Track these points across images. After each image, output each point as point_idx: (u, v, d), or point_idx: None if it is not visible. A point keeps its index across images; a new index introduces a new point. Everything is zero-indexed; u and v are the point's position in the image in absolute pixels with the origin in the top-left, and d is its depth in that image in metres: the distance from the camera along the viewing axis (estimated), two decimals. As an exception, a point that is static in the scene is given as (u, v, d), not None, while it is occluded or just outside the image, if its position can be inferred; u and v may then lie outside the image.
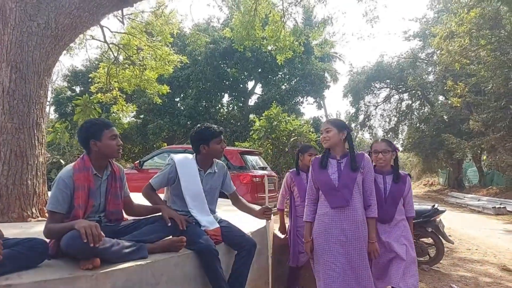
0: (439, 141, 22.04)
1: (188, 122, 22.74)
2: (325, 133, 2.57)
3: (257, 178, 7.07)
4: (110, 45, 10.58)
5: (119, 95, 12.55)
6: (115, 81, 12.00)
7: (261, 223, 3.31)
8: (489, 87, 16.55)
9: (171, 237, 2.24)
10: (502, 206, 12.40)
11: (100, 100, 12.41)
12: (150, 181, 2.65)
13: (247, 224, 3.12)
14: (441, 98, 25.23)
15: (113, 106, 13.36)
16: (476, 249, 6.27)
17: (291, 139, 12.32)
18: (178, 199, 2.58)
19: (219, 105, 26.22)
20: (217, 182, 2.73)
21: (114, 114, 15.46)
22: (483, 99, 17.89)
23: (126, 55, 11.29)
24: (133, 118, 24.11)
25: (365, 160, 2.57)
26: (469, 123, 17.39)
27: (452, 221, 9.11)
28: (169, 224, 2.26)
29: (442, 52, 16.20)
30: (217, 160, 2.79)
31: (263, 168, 7.91)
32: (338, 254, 2.44)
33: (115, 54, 11.44)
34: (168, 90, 13.12)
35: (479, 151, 21.18)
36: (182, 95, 25.15)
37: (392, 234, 2.75)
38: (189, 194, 2.55)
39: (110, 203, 2.22)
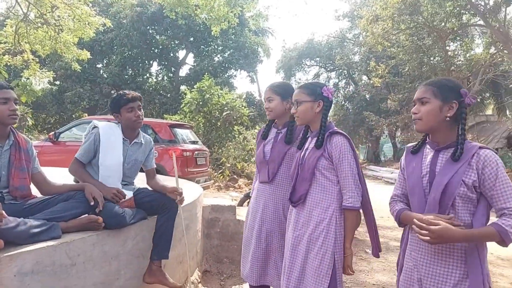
0: (361, 118, 23.72)
1: (112, 91, 21.17)
2: (267, 103, 2.26)
3: (188, 152, 6.89)
4: (19, 0, 9.25)
5: (32, 59, 11.18)
6: (25, 42, 10.62)
7: (190, 198, 3.23)
8: (406, 70, 18.08)
9: (87, 215, 2.05)
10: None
11: (8, 63, 10.94)
12: (75, 156, 2.38)
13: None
14: (364, 77, 26.91)
15: (25, 70, 11.89)
16: (388, 217, 6.95)
17: (224, 113, 12.20)
18: (97, 170, 2.36)
19: (147, 74, 24.86)
20: (141, 155, 2.56)
21: (25, 79, 13.78)
22: (400, 80, 19.54)
23: (39, 13, 9.99)
24: (47, 85, 21.75)
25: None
26: (387, 102, 18.92)
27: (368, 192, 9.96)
28: (92, 203, 2.06)
29: (367, 34, 17.10)
30: (144, 134, 2.61)
31: (194, 142, 7.73)
32: (257, 234, 2.22)
33: (25, 10, 10.05)
34: (89, 56, 12.01)
35: (394, 128, 23.31)
36: (105, 61, 23.28)
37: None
38: (104, 164, 2.35)
39: (14, 177, 1.94)
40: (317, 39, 28.90)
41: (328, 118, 1.94)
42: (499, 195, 1.40)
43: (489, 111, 24.14)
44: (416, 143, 1.66)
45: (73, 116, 20.20)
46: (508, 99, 20.17)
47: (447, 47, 17.30)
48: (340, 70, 29.01)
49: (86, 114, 19.91)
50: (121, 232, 2.16)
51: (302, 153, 1.99)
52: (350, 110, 25.82)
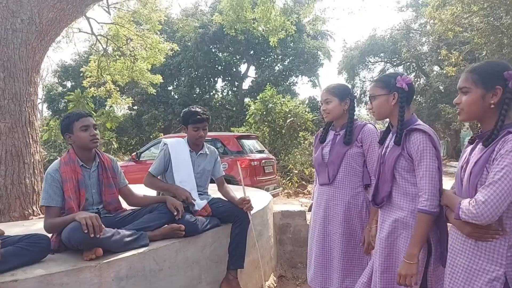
0: (436, 112, 22.08)
1: (183, 110, 22.63)
2: (325, 105, 2.23)
3: (255, 162, 7.10)
4: (98, 37, 10.43)
5: (113, 88, 12.45)
6: (107, 74, 11.88)
7: (260, 205, 3.36)
8: (483, 54, 16.46)
9: (170, 224, 2.27)
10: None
11: (94, 94, 12.31)
12: (149, 170, 2.70)
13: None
14: (436, 68, 25.09)
15: (108, 100, 13.26)
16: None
17: (288, 121, 12.31)
18: (172, 182, 2.62)
19: (213, 91, 26.04)
20: (209, 164, 2.77)
21: (109, 107, 15.38)
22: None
23: (116, 46, 11.14)
24: (127, 110, 23.97)
25: (364, 132, 2.16)
26: (465, 92, 17.38)
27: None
28: (175, 214, 2.28)
29: (435, 22, 16.00)
30: (208, 145, 2.82)
31: (260, 152, 7.93)
32: (318, 236, 2.22)
33: (104, 46, 11.28)
34: (161, 80, 13.02)
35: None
36: (175, 83, 24.93)
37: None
38: (179, 175, 2.59)
39: (106, 193, 2.25)
40: (379, 34, 27.74)
41: (409, 110, 1.79)
42: (488, 178, 1.28)
43: None
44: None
45: (151, 136, 21.91)
46: None
47: (531, 23, 15.42)
48: (408, 63, 27.41)
49: (162, 134, 21.47)
50: (199, 239, 2.35)
51: (383, 151, 1.88)
52: (423, 104, 24.16)
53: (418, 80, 27.82)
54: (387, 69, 29.24)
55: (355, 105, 2.29)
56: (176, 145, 2.70)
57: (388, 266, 1.77)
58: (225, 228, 2.57)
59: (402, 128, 1.74)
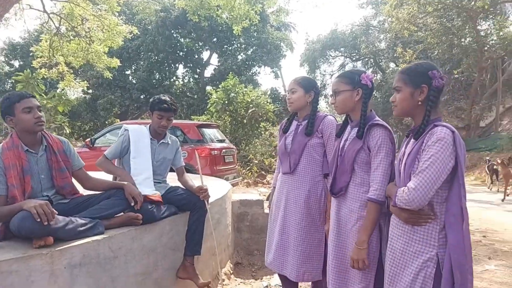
0: (390, 107, 23.05)
1: (141, 96, 21.95)
2: (290, 94, 2.30)
3: (216, 151, 7.09)
4: (51, 15, 9.81)
5: (66, 70, 11.80)
6: (60, 55, 11.23)
7: (219, 193, 3.40)
8: (435, 53, 17.48)
9: (128, 213, 2.24)
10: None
11: (44, 76, 11.60)
12: (104, 153, 2.65)
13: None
14: (392, 65, 26.25)
15: (60, 82, 12.56)
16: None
17: (249, 111, 12.36)
18: (128, 167, 2.59)
19: (174, 77, 25.47)
20: (169, 153, 2.76)
21: (61, 90, 14.55)
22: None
23: (70, 26, 10.54)
24: (81, 94, 22.82)
25: (324, 123, 2.23)
26: (417, 89, 18.35)
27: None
28: (132, 204, 2.24)
29: (393, 20, 16.71)
30: (170, 134, 2.81)
31: (221, 141, 7.93)
32: (280, 223, 2.30)
33: (57, 25, 10.63)
34: (119, 64, 12.53)
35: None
36: (133, 68, 24.08)
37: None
38: (136, 163, 2.57)
39: (57, 178, 2.13)
40: (340, 29, 28.50)
41: (368, 106, 1.87)
42: (418, 167, 1.42)
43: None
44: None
45: (106, 122, 21.09)
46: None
47: (479, 27, 16.56)
48: (366, 59, 28.44)
49: (118, 120, 20.73)
50: (156, 227, 2.34)
51: (342, 144, 1.95)
52: (379, 99, 25.24)
53: (375, 75, 28.93)
54: (347, 64, 30.17)
55: (319, 98, 2.36)
56: (138, 132, 2.66)
57: (340, 253, 1.90)
58: (183, 216, 2.58)
59: (365, 123, 1.83)
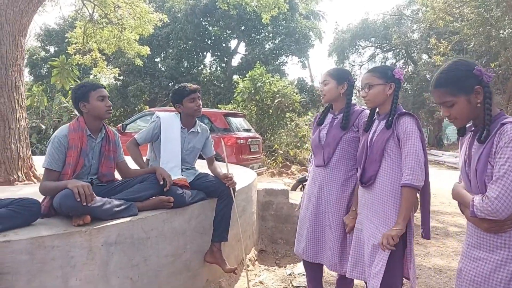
0: (421, 100, 22.47)
1: (170, 84, 22.27)
2: (323, 86, 2.30)
3: (242, 140, 7.17)
4: (85, 2, 10.08)
5: (99, 57, 12.12)
6: (93, 42, 11.54)
7: (245, 182, 3.45)
8: (471, 45, 16.71)
9: (159, 196, 2.34)
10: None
11: (79, 62, 11.98)
12: (135, 136, 2.76)
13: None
14: (424, 56, 25.31)
15: (93, 68, 12.93)
16: (450, 203, 6.68)
17: (275, 101, 12.33)
18: (159, 154, 2.68)
19: (202, 66, 25.62)
20: (199, 142, 2.82)
21: (94, 76, 15.03)
22: (465, 57, 18.04)
23: (103, 13, 10.79)
24: (113, 81, 23.45)
25: (361, 118, 2.22)
26: (450, 82, 17.64)
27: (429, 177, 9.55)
28: (161, 183, 2.35)
29: (427, 9, 16.06)
30: (200, 123, 2.87)
31: (247, 130, 8.00)
32: (311, 214, 2.32)
33: (91, 12, 10.92)
34: (149, 51, 12.73)
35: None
36: (162, 55, 24.41)
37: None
38: (166, 150, 2.65)
39: (103, 165, 2.30)
40: (371, 18, 27.68)
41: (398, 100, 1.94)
42: (495, 172, 1.29)
43: None
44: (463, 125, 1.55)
45: (136, 109, 21.59)
46: None
47: (520, 18, 15.64)
48: (398, 50, 27.55)
49: (147, 107, 21.21)
50: (186, 211, 2.43)
51: (370, 136, 2.00)
52: (410, 92, 24.51)
53: (406, 67, 28.04)
54: (377, 54, 29.37)
55: (353, 90, 2.35)
56: (168, 119, 2.74)
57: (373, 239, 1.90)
58: (211, 202, 2.66)
59: (394, 113, 1.90)
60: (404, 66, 28.31)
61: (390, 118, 1.90)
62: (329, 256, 2.26)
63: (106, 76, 15.70)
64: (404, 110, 1.93)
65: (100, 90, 2.24)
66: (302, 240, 2.40)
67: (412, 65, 26.59)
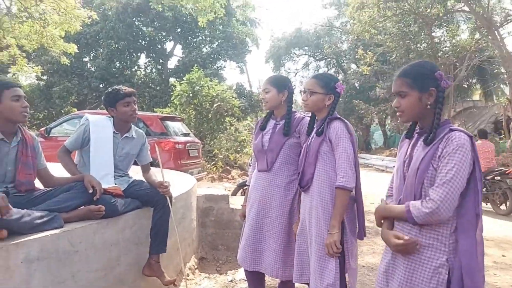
0: (351, 107, 23.93)
1: (101, 85, 20.97)
2: (264, 94, 2.35)
3: (180, 145, 6.96)
4: (1, -7, 9.10)
5: (19, 54, 11.02)
6: (11, 37, 10.46)
7: (184, 188, 3.33)
8: (393, 57, 18.26)
9: (88, 206, 2.14)
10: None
11: (-6, 59, 10.78)
12: (64, 143, 2.52)
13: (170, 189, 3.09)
14: (353, 66, 27.07)
15: (12, 66, 11.72)
16: (379, 203, 7.15)
17: (214, 105, 12.24)
18: (88, 161, 2.47)
19: (135, 67, 24.58)
20: (134, 148, 2.65)
21: (12, 75, 13.60)
22: (388, 68, 19.70)
23: (22, 6, 9.84)
24: (35, 80, 21.43)
25: (303, 124, 2.26)
26: (376, 90, 19.12)
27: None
28: (90, 191, 2.15)
29: (354, 22, 17.19)
30: (136, 128, 2.70)
31: (186, 135, 7.79)
32: (252, 220, 2.31)
33: (7, 4, 9.89)
34: (76, 50, 11.88)
35: (384, 116, 23.60)
36: (92, 55, 22.96)
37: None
38: (96, 157, 2.45)
39: (20, 172, 2.03)
40: (304, 28, 28.95)
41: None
42: (438, 177, 1.34)
43: (476, 97, 24.52)
44: (409, 128, 1.61)
45: (62, 111, 19.95)
46: (494, 84, 20.54)
47: (433, 34, 17.48)
48: (329, 59, 29.10)
49: (75, 109, 19.72)
50: (119, 221, 2.26)
51: (309, 141, 2.06)
52: (340, 99, 25.75)
53: (337, 75, 29.73)
54: (310, 63, 30.72)
55: (293, 97, 2.40)
56: (99, 123, 2.53)
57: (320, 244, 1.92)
58: (146, 211, 2.51)
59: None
60: (335, 74, 29.97)
61: (322, 126, 1.99)
62: (270, 263, 2.23)
63: (27, 75, 14.33)
64: (336, 115, 2.01)
65: (14, 89, 1.98)
66: (242, 248, 2.36)
67: (342, 73, 28.27)
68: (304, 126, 2.24)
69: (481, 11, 13.66)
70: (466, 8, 14.58)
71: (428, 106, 1.44)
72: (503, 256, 4.30)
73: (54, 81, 20.43)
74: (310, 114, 2.23)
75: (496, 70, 18.71)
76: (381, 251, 4.10)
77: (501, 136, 16.60)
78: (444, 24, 18.08)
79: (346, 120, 1.99)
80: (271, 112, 2.44)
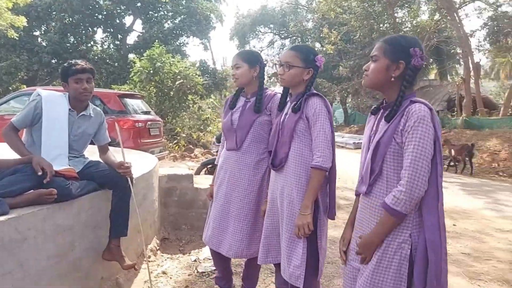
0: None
1: (53, 61, 19.66)
2: (235, 70, 2.21)
3: (140, 123, 6.70)
4: None
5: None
6: None
7: (145, 168, 3.21)
8: (357, 36, 18.50)
9: (38, 190, 1.97)
10: (360, 141, 14.63)
11: None
12: (11, 120, 2.27)
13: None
14: (317, 45, 27.17)
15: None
16: (339, 178, 7.35)
17: (177, 82, 11.86)
18: (39, 139, 2.27)
19: (92, 42, 23.20)
20: (91, 128, 2.47)
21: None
22: (351, 47, 19.97)
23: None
24: (-22, 55, 19.68)
25: (274, 101, 2.17)
26: (339, 69, 19.38)
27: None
28: (40, 174, 1.97)
29: (321, 0, 17.15)
30: (94, 106, 2.51)
31: (146, 113, 7.51)
32: (220, 200, 2.24)
33: None
34: (25, 23, 10.98)
35: (345, 95, 24.09)
36: (43, 29, 21.38)
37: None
38: (48, 136, 2.25)
39: None
40: (270, 5, 28.70)
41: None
42: (405, 155, 1.32)
43: (432, 76, 25.62)
44: (378, 103, 1.57)
45: (10, 88, 18.56)
46: (450, 64, 21.49)
47: (396, 14, 17.85)
48: (294, 37, 28.99)
49: (25, 86, 18.41)
50: (73, 204, 2.12)
51: (282, 118, 1.94)
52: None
53: (302, 54, 29.78)
54: (275, 41, 30.51)
55: (265, 72, 2.29)
56: (53, 99, 2.30)
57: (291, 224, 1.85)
58: (104, 193, 2.37)
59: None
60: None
61: (298, 102, 1.85)
62: (236, 242, 2.19)
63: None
64: (313, 91, 1.88)
65: None
66: (209, 227, 2.31)
67: (307, 52, 28.34)
68: (275, 103, 2.16)
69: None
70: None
71: (392, 79, 1.41)
72: (454, 225, 4.58)
73: (1, 56, 18.88)
74: (281, 91, 2.14)
75: (452, 51, 19.53)
76: (342, 224, 4.24)
77: (454, 114, 17.53)
78: (406, 5, 18.47)
79: (324, 97, 1.86)
80: (241, 89, 2.33)
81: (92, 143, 2.59)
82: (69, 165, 2.30)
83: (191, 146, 10.88)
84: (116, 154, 2.55)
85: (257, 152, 2.21)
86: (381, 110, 1.51)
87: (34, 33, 21.03)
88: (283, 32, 29.19)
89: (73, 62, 2.32)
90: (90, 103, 2.46)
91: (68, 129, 2.33)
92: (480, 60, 17.83)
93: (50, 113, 2.27)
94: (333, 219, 1.94)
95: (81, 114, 2.39)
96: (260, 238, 2.09)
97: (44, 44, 20.41)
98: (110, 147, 2.64)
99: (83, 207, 2.20)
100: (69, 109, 2.34)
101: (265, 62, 2.31)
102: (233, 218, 2.22)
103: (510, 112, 15.48)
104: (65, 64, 2.34)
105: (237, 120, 2.24)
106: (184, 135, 11.10)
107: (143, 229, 2.60)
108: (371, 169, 1.44)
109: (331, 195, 1.91)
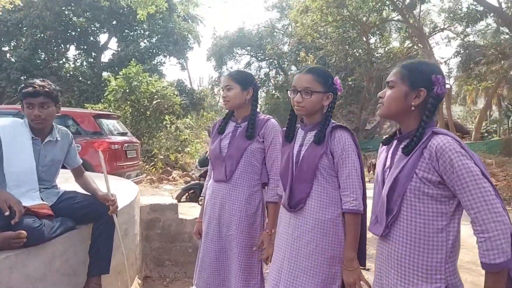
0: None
1: (22, 77, 18.78)
2: (226, 91, 2.00)
3: (117, 145, 6.32)
4: None
5: None
6: None
7: (127, 199, 2.89)
8: (333, 60, 18.95)
9: (4, 232, 1.65)
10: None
11: None
12: None
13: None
14: (293, 68, 27.64)
15: None
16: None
17: (154, 102, 11.50)
18: (2, 177, 1.93)
19: (63, 59, 22.49)
20: (60, 153, 2.15)
21: None
22: (327, 71, 20.39)
23: None
24: None
25: (267, 127, 1.98)
26: (316, 92, 19.66)
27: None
28: (7, 214, 1.66)
29: (297, 25, 17.50)
30: (59, 126, 2.19)
31: (123, 134, 7.12)
32: (212, 239, 2.03)
33: None
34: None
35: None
36: (12, 44, 20.53)
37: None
38: (12, 170, 1.93)
39: None
40: (247, 28, 28.95)
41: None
42: (464, 196, 1.15)
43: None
44: (391, 133, 1.43)
45: (-27, 105, 17.53)
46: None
47: (369, 40, 18.49)
48: (271, 60, 29.38)
49: (-10, 103, 17.42)
50: (46, 249, 1.79)
51: (296, 150, 1.70)
52: (281, 99, 26.33)
53: (278, 76, 30.19)
54: (252, 63, 30.81)
55: (258, 96, 2.09)
56: (11, 128, 1.98)
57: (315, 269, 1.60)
58: (82, 231, 2.06)
59: (326, 127, 1.62)
60: (276, 76, 30.39)
61: (322, 132, 1.61)
62: (236, 284, 1.96)
63: None
64: (336, 123, 1.66)
65: None
66: (204, 270, 2.03)
67: (283, 75, 28.75)
68: (270, 129, 1.99)
69: (412, 21, 14.69)
70: (400, 18, 15.57)
71: (412, 108, 1.26)
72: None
73: (-37, 71, 17.89)
74: (271, 117, 1.98)
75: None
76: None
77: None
78: (378, 32, 19.19)
79: (350, 129, 1.65)
80: (231, 112, 2.12)
81: (64, 166, 2.27)
82: (41, 199, 1.98)
83: (168, 168, 10.48)
84: (96, 180, 2.24)
85: (249, 185, 1.99)
86: (395, 142, 1.35)
87: (3, 49, 20.16)
88: (260, 54, 29.51)
89: (28, 82, 2.01)
90: (54, 125, 2.14)
91: (35, 161, 2.01)
92: (451, 86, 18.61)
93: (12, 146, 1.95)
94: (365, 266, 1.67)
95: (46, 140, 2.07)
96: (258, 272, 1.96)
97: (13, 60, 19.56)
98: (87, 172, 2.33)
99: (57, 251, 1.88)
100: (32, 137, 2.03)
101: (259, 85, 2.12)
102: (231, 258, 1.99)
103: (480, 136, 16.11)
104: (21, 85, 2.03)
105: (226, 147, 2.03)
106: (161, 156, 10.69)
107: (128, 269, 2.28)
108: (387, 209, 1.27)
109: (361, 241, 1.63)
